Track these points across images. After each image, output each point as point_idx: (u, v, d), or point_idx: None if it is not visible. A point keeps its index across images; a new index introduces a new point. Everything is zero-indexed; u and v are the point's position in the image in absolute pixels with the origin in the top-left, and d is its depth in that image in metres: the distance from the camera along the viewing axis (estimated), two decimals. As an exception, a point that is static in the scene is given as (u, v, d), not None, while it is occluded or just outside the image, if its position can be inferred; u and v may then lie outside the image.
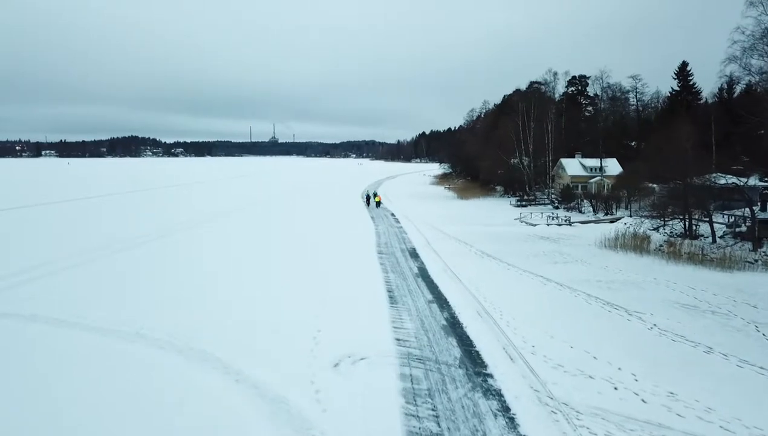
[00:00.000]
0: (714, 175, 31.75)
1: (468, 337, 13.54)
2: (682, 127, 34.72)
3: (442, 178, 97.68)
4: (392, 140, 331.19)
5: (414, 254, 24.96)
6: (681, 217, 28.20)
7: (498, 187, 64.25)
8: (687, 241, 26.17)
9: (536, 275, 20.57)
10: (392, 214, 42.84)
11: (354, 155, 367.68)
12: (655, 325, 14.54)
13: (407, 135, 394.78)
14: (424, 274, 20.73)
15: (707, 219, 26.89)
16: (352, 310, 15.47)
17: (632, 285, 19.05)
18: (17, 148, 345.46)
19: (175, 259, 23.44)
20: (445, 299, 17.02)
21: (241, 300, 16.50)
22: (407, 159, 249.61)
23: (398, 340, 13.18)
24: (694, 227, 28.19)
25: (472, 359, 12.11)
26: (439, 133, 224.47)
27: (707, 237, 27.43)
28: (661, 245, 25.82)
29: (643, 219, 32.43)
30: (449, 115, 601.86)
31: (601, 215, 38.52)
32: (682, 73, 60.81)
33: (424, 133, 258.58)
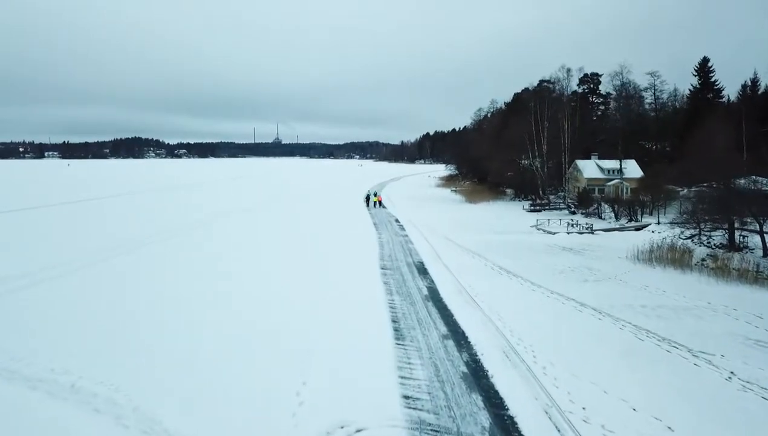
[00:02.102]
0: (755, 177, 28.60)
1: (497, 393, 10.49)
2: (716, 125, 31.59)
3: (448, 180, 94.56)
4: (396, 141, 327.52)
5: (422, 270, 21.92)
6: (723, 226, 25.02)
7: (508, 191, 61.11)
8: (734, 254, 23.00)
9: (567, 297, 17.50)
10: (396, 220, 39.81)
11: (358, 156, 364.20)
12: (732, 373, 11.45)
13: (411, 136, 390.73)
14: (435, 296, 17.69)
15: (756, 229, 23.69)
16: (349, 351, 12.43)
17: (685, 312, 15.95)
18: (21, 149, 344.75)
19: (145, 279, 20.46)
20: (463, 333, 13.97)
21: (213, 337, 13.49)
22: (411, 160, 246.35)
23: (407, 399, 10.14)
24: (740, 238, 25.01)
25: (506, 430, 9.06)
26: (444, 133, 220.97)
27: (754, 250, 24.27)
28: (704, 260, 22.69)
29: (676, 227, 29.36)
30: (454, 116, 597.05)
31: (624, 222, 35.36)
32: (703, 69, 57.42)
33: (428, 134, 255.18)
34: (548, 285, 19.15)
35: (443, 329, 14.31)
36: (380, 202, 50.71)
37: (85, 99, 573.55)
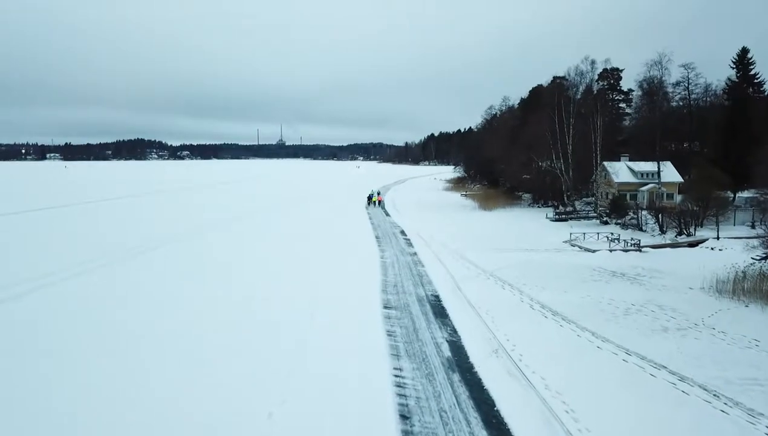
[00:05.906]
0: None
1: None
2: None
3: (457, 184, 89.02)
4: (400, 142, 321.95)
5: (438, 310, 16.56)
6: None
7: (524, 196, 55.64)
8: None
9: (654, 363, 12.09)
10: (402, 232, 34.47)
11: (361, 157, 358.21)
12: None
13: (415, 137, 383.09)
14: (461, 361, 12.32)
15: None
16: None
17: (844, 395, 10.50)
18: (23, 151, 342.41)
19: (79, 322, 15.24)
20: (517, 448, 8.61)
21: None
22: (415, 162, 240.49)
23: None
24: None
25: None
26: (449, 134, 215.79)
27: None
28: (810, 294, 17.19)
29: (742, 242, 23.91)
30: (459, 117, 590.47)
31: (673, 236, 29.83)
32: (742, 61, 51.79)
33: (432, 135, 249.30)
34: (616, 338, 13.73)
35: (483, 437, 8.95)
36: (380, 202, 54.61)
37: (87, 101, 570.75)
